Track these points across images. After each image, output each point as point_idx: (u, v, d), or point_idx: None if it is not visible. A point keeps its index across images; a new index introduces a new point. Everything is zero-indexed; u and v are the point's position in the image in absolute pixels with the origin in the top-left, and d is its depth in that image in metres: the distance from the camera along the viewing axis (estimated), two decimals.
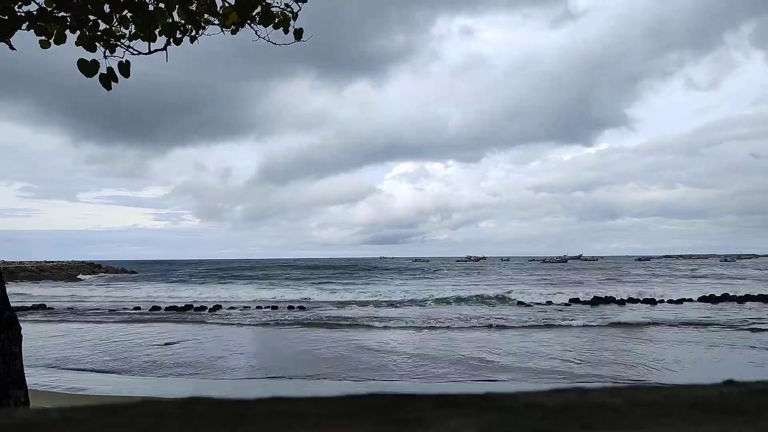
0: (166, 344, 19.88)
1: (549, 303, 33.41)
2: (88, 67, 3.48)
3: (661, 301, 32.53)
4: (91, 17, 3.49)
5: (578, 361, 16.06)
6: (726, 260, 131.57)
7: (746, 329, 21.91)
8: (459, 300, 35.80)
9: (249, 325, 25.62)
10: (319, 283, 57.52)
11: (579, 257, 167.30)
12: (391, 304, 34.22)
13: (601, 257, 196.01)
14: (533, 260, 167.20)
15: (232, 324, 25.89)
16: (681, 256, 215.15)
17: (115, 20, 3.60)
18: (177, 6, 3.65)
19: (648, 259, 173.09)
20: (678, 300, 32.88)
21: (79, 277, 72.62)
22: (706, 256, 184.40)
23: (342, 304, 34.40)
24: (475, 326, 23.98)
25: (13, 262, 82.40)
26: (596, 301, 32.95)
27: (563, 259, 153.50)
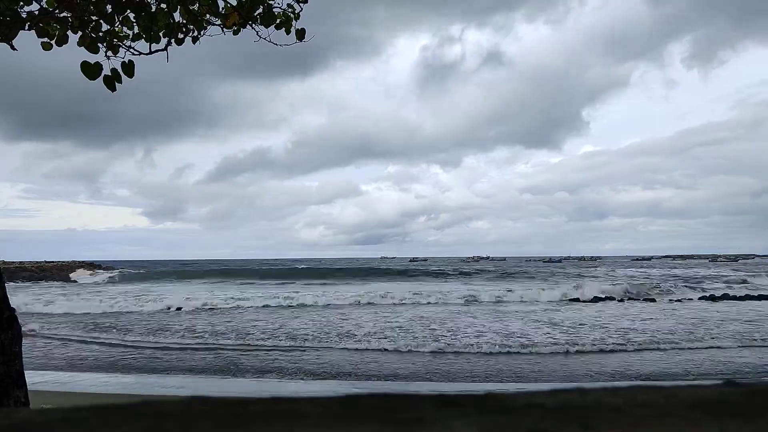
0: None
1: None
2: (91, 70, 3.46)
3: None
4: (93, 18, 3.49)
5: None
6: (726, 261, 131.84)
7: None
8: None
9: None
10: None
11: (581, 258, 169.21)
12: None
13: (599, 258, 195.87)
14: (529, 260, 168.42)
15: None
16: (680, 256, 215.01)
17: (117, 21, 3.59)
18: (179, 6, 3.65)
19: (648, 259, 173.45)
20: None
21: (74, 276, 72.18)
22: (707, 257, 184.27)
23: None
24: None
25: (13, 262, 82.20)
26: None
27: (559, 260, 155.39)
